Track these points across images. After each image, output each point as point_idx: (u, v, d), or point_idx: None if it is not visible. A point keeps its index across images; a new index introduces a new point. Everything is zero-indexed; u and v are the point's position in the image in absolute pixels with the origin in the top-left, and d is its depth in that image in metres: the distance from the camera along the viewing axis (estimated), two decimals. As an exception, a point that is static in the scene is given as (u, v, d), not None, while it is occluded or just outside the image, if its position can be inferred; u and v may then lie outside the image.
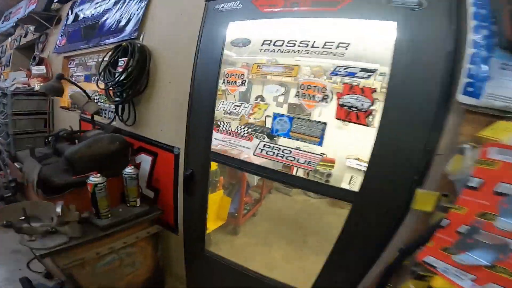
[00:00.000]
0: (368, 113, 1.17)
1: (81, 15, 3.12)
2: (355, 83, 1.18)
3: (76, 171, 1.56)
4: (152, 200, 2.07)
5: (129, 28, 2.22)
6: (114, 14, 2.47)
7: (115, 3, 2.51)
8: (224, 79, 1.58)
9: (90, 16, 2.90)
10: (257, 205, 3.31)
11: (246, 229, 3.13)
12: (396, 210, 1.11)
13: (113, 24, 2.44)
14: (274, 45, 1.37)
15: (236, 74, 1.53)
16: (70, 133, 1.99)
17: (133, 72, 1.91)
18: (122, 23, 2.32)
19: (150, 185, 2.09)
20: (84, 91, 2.29)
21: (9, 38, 5.49)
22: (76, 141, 2.06)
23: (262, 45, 1.42)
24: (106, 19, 2.57)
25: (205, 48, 1.66)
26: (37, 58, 3.89)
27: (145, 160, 2.03)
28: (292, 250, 2.89)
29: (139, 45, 1.97)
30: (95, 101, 2.55)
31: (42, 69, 3.61)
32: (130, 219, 1.74)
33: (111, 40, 2.38)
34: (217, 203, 2.57)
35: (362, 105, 1.17)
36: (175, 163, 1.85)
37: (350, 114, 1.19)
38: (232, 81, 1.55)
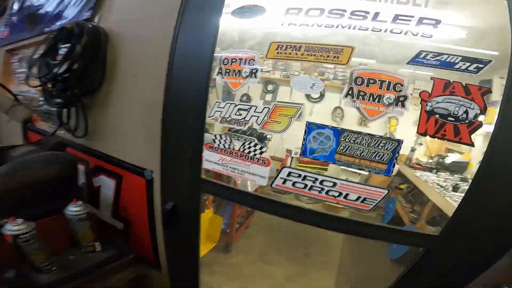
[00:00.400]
0: (476, 125, 0.70)
1: (27, 2, 2.70)
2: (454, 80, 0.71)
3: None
4: (123, 231, 1.54)
5: (78, 7, 1.79)
6: None
7: None
8: (220, 68, 1.04)
9: (36, 1, 2.48)
10: (250, 216, 2.85)
11: (239, 245, 2.70)
12: (495, 250, 0.87)
13: (60, 5, 2.03)
14: (307, 14, 0.85)
15: (241, 59, 0.99)
16: None
17: (77, 62, 1.35)
18: (72, 3, 1.90)
19: (117, 214, 1.55)
20: (10, 91, 1.76)
21: None
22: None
23: (285, 15, 0.89)
24: (52, 1, 2.17)
25: (190, 22, 1.11)
26: None
27: (107, 185, 1.50)
28: (294, 266, 2.56)
29: (90, 26, 1.43)
30: (40, 103, 1.99)
31: None
32: (86, 271, 1.23)
33: (58, 25, 1.92)
34: (207, 224, 2.06)
35: (467, 112, 0.70)
36: (148, 190, 1.32)
37: (445, 127, 0.72)
38: (234, 71, 1.01)
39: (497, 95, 0.70)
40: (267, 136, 0.98)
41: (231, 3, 1.01)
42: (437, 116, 0.72)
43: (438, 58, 0.72)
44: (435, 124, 0.73)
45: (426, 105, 0.73)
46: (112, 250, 1.31)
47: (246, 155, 0.99)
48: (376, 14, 0.77)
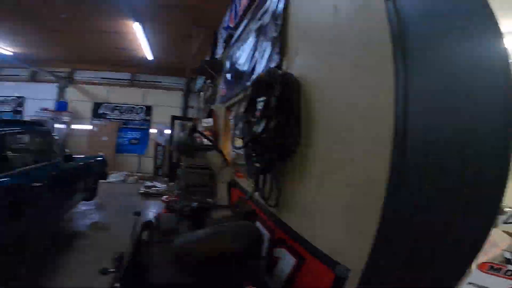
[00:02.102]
0: None
1: (233, 59, 3.06)
2: None
3: (184, 272, 1.11)
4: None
5: (265, 58, 1.79)
6: (251, 49, 2.25)
7: (257, 32, 2.23)
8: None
9: (238, 56, 2.78)
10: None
11: None
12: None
13: (251, 59, 2.17)
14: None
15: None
16: (196, 211, 1.45)
17: (274, 119, 1.17)
18: (259, 55, 1.97)
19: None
20: (221, 153, 1.79)
21: (202, 93, 6.27)
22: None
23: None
24: (245, 58, 2.41)
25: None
26: (207, 110, 4.28)
27: (286, 260, 1.29)
28: None
29: (280, 73, 1.29)
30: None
31: (209, 121, 3.68)
32: None
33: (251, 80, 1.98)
34: None
35: None
36: None
37: None
38: None
39: None
40: None
41: None
42: None
43: None
44: None
45: None
46: None
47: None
48: None
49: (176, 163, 7.27)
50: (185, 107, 8.61)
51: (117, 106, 8.39)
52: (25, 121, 3.45)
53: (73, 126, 8.09)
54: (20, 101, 8.15)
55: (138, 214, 2.03)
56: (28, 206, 2.39)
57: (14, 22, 5.33)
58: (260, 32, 2.11)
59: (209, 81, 4.71)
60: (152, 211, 4.72)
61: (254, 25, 2.37)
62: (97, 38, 6.10)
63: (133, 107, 8.44)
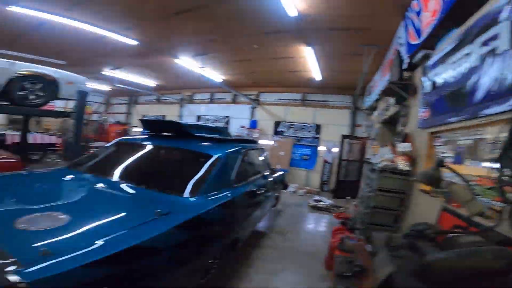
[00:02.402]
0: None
1: (439, 81, 2.78)
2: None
3: (431, 283, 1.19)
4: None
5: None
6: (488, 71, 1.97)
7: (483, 57, 2.04)
8: None
9: (451, 80, 2.51)
10: None
11: None
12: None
13: (493, 84, 1.90)
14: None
15: None
16: (437, 233, 1.58)
17: None
18: (497, 85, 1.81)
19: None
20: (469, 185, 1.68)
21: (375, 112, 6.03)
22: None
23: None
24: (477, 80, 2.10)
25: None
26: (401, 133, 3.86)
27: None
28: None
29: None
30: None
31: (407, 146, 3.42)
32: None
33: (496, 109, 1.86)
34: None
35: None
36: None
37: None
38: None
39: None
40: None
41: None
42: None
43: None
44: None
45: None
46: None
47: None
48: None
49: (343, 181, 7.53)
50: (353, 125, 8.59)
51: (292, 125, 9.43)
52: (250, 140, 4.13)
53: (260, 142, 9.84)
54: (227, 120, 10.55)
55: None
56: (255, 207, 3.07)
57: (223, 55, 7.01)
58: (493, 58, 1.91)
59: (391, 100, 4.43)
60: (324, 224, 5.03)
61: (474, 50, 2.15)
62: (276, 64, 7.10)
63: (304, 125, 9.23)
